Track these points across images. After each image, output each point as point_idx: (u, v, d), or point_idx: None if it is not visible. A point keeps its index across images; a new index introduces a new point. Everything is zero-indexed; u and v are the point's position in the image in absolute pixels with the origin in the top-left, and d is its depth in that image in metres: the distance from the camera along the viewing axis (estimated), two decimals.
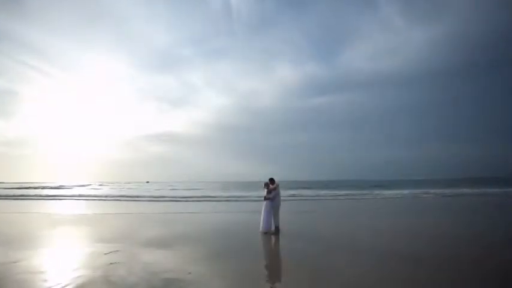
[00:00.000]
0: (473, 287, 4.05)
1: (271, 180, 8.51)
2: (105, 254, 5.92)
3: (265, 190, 8.52)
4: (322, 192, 30.74)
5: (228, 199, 23.21)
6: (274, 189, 8.39)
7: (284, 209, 9.10)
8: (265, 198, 8.39)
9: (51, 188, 49.05)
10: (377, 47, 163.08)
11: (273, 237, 7.71)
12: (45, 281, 4.31)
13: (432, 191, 29.64)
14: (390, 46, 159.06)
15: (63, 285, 4.09)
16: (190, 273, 4.60)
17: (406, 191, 29.75)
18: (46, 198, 27.08)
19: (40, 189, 42.56)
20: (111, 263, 5.19)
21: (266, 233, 8.04)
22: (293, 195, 25.52)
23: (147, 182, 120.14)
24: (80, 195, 28.87)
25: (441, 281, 4.21)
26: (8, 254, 5.97)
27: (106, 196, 27.77)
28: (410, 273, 4.57)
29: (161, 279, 4.33)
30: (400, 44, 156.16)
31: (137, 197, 26.80)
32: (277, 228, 8.16)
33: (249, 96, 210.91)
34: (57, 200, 24.22)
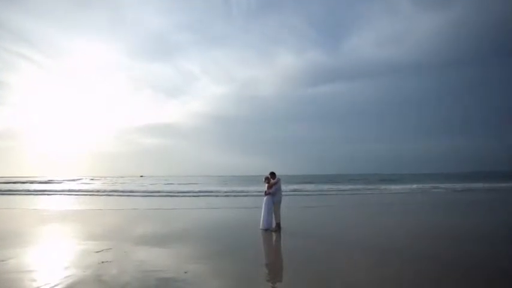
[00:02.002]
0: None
1: (272, 174, 8.50)
2: (97, 252, 5.96)
3: (266, 185, 8.53)
4: (326, 187, 30.86)
5: (226, 194, 23.32)
6: (275, 183, 8.39)
7: (285, 204, 9.13)
8: (266, 194, 8.41)
9: (40, 182, 49.33)
10: (383, 34, 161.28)
11: (273, 235, 7.75)
12: (34, 280, 4.33)
13: (442, 185, 29.78)
14: (397, 33, 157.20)
15: (52, 285, 4.11)
16: (186, 272, 4.62)
17: (414, 186, 29.93)
18: (35, 193, 27.22)
19: (28, 184, 42.80)
20: (102, 262, 5.22)
21: (267, 230, 8.08)
22: (295, 190, 25.64)
23: (141, 176, 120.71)
24: (70, 190, 28.99)
25: (445, 282, 4.23)
26: None
27: (98, 191, 27.87)
28: (412, 273, 4.59)
29: (155, 278, 4.35)
30: (408, 31, 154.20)
31: (131, 192, 26.91)
32: (278, 225, 8.19)
33: (248, 85, 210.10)
34: (47, 195, 24.36)
